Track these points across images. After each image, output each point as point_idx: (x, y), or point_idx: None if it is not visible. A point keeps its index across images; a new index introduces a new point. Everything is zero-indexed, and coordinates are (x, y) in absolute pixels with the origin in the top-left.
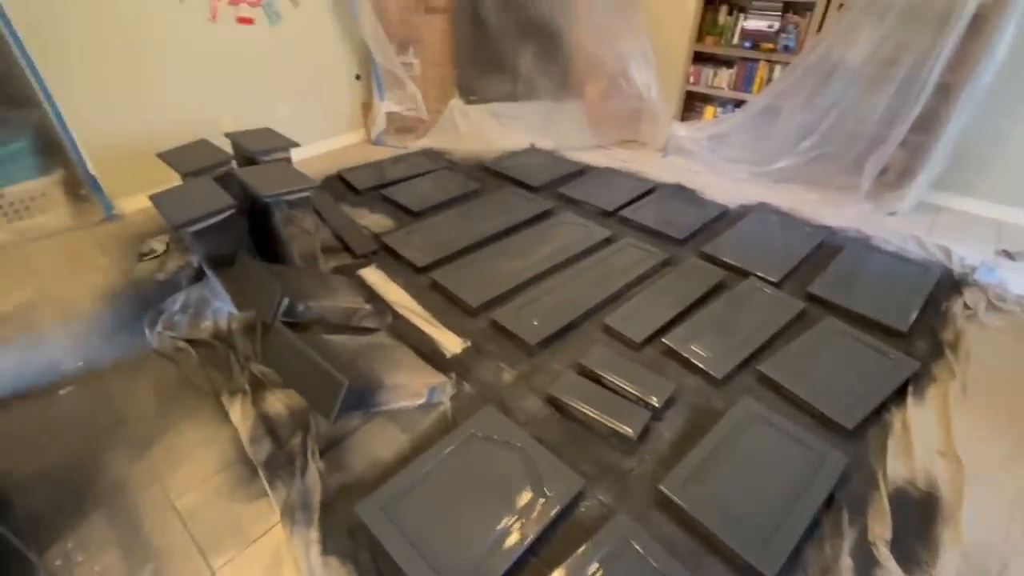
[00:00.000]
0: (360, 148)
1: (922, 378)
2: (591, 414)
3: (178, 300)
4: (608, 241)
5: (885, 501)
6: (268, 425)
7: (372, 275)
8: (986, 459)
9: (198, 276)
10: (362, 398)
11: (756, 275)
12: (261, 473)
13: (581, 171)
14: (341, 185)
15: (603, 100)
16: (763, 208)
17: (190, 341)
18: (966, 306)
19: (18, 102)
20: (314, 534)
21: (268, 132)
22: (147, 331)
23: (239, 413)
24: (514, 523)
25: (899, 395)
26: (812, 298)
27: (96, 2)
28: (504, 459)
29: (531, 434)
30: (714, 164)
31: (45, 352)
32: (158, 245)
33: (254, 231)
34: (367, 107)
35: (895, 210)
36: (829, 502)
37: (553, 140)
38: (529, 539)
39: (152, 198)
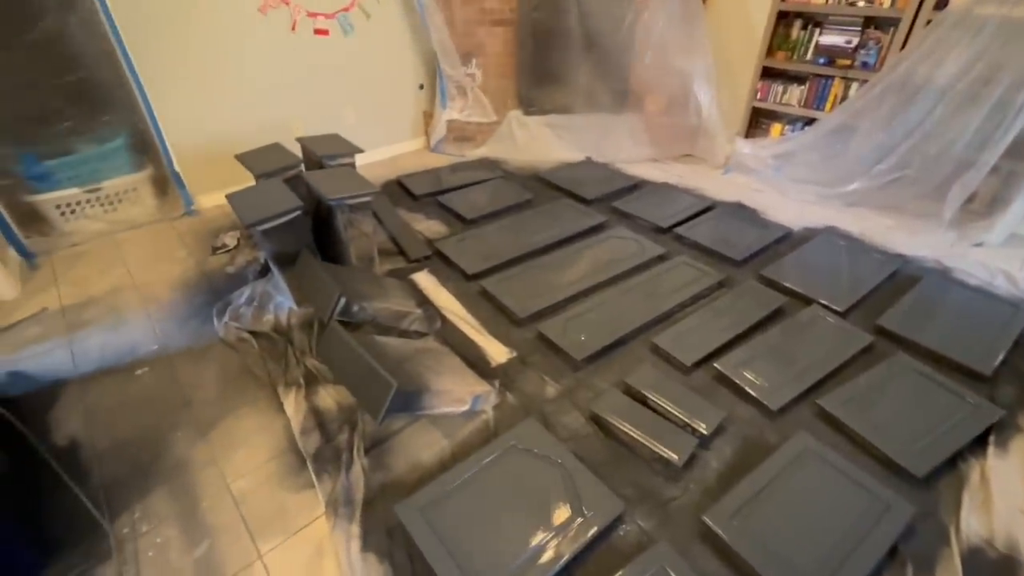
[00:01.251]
0: (420, 155)
1: (1006, 427)
2: (635, 436)
3: (244, 293)
4: (661, 258)
5: (957, 560)
6: (318, 419)
7: (424, 280)
8: None
9: (264, 271)
10: (409, 401)
11: (820, 303)
12: (309, 465)
13: (636, 185)
14: (399, 190)
15: (662, 114)
16: (831, 232)
17: (252, 333)
18: None
19: (121, 105)
20: (355, 529)
21: (335, 138)
22: (215, 320)
23: (293, 405)
24: (550, 540)
25: (979, 444)
26: (882, 331)
27: (189, 16)
28: (543, 474)
29: (572, 451)
30: (779, 184)
31: (126, 334)
32: (230, 240)
33: (317, 231)
34: (428, 116)
35: (982, 241)
36: (892, 554)
37: (609, 153)
38: (565, 558)
39: (228, 197)
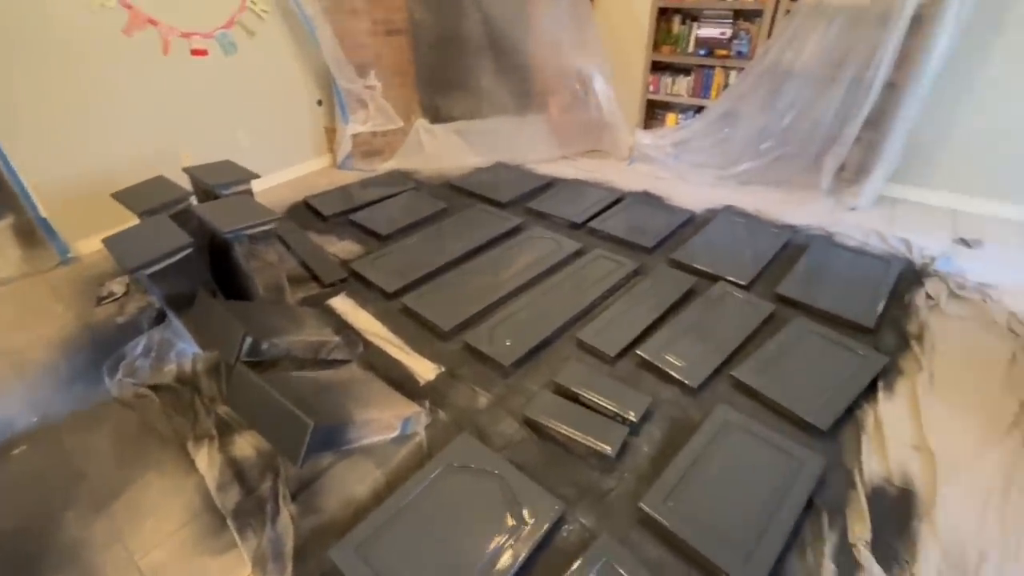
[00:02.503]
0: (327, 173)
1: (891, 372)
2: (568, 434)
3: (140, 344)
4: (578, 254)
5: (863, 501)
6: (236, 470)
7: (341, 304)
8: (957, 450)
9: (160, 317)
10: (331, 437)
11: (726, 279)
12: (230, 523)
13: (548, 184)
14: (308, 212)
15: (565, 113)
16: (729, 211)
17: (152, 387)
18: (928, 297)
19: None
20: None
21: (228, 165)
22: (107, 379)
23: (205, 460)
24: (494, 556)
25: (870, 391)
26: (781, 299)
27: (39, 42)
28: (481, 488)
29: (508, 459)
30: (679, 170)
31: None
32: (117, 287)
33: (216, 267)
34: (331, 131)
35: (855, 205)
36: (809, 506)
37: (519, 154)
38: (512, 572)
39: (105, 241)
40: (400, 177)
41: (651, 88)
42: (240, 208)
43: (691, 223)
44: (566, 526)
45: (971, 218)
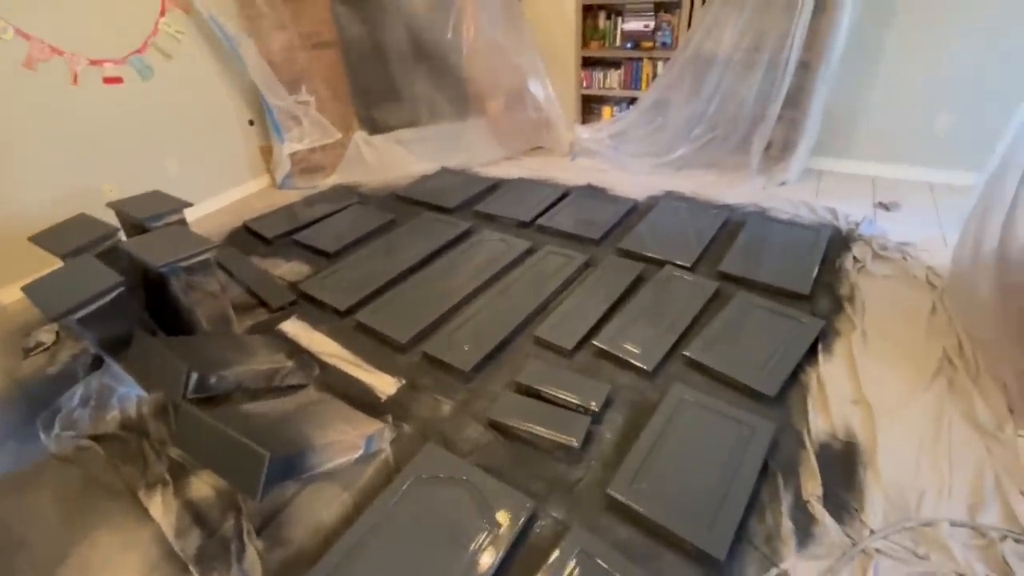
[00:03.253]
0: (266, 195)
1: (828, 334)
2: (533, 431)
3: (76, 393)
4: (529, 252)
5: (813, 459)
6: (195, 513)
7: (293, 328)
8: (891, 399)
9: (97, 362)
10: (290, 466)
11: (671, 263)
12: (192, 569)
13: (494, 186)
14: (249, 236)
15: (504, 114)
16: (669, 197)
17: (95, 437)
18: (855, 260)
19: None
20: None
21: (157, 195)
22: (42, 435)
23: (160, 507)
24: (470, 563)
25: (811, 354)
26: (724, 276)
27: None
28: (451, 497)
29: (476, 463)
30: (619, 161)
31: None
32: (46, 336)
33: (154, 304)
34: (267, 151)
35: (784, 180)
36: (764, 470)
37: (462, 159)
38: (488, 572)
39: (25, 289)
40: (344, 192)
41: (584, 83)
42: (173, 239)
43: (635, 211)
44: (539, 522)
45: (888, 183)
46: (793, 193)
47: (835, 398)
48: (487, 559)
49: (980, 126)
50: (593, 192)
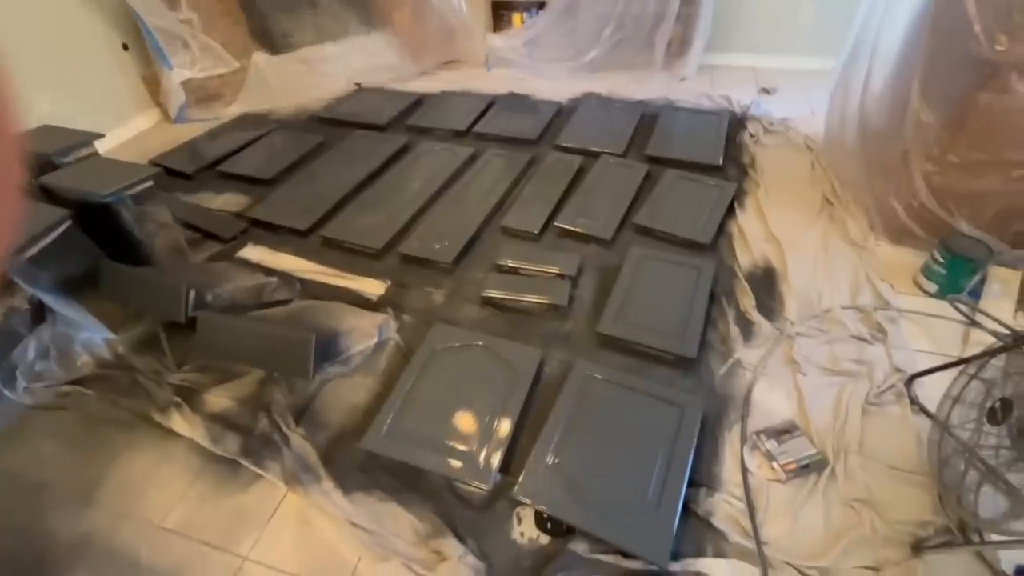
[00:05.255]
0: (161, 130)
1: (740, 193)
2: (524, 300)
3: (29, 347)
4: (473, 158)
5: (744, 283)
6: (224, 422)
7: (255, 253)
8: (792, 234)
9: (38, 315)
10: (329, 348)
11: (605, 152)
12: (243, 462)
13: (418, 101)
14: (164, 174)
15: (413, 24)
16: (589, 97)
17: (75, 382)
18: (751, 135)
19: None
20: (328, 484)
21: (50, 130)
22: (6, 392)
23: (183, 423)
24: (500, 403)
25: (730, 211)
26: (651, 159)
27: None
28: (470, 358)
29: (483, 333)
30: (536, 68)
31: None
32: None
33: (95, 242)
34: (152, 81)
35: (684, 75)
36: (711, 297)
37: (377, 76)
38: (517, 411)
39: None
40: (254, 120)
41: None
42: (103, 171)
43: (561, 113)
44: (547, 366)
45: (767, 72)
46: (693, 86)
47: (753, 239)
48: (514, 401)
49: (837, 15)
50: (517, 99)
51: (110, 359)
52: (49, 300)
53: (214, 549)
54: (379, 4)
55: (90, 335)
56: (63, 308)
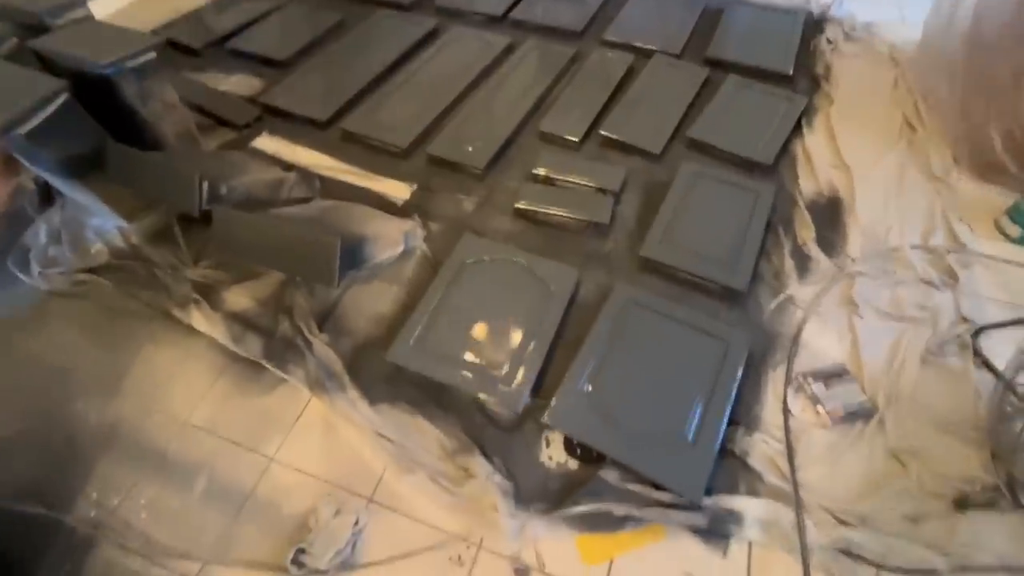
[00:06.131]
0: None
1: (810, 110)
2: (562, 215)
3: (40, 231)
4: (510, 49)
5: (805, 213)
6: (244, 322)
7: (269, 143)
8: (864, 160)
9: (46, 197)
10: (353, 255)
11: (659, 52)
12: (266, 364)
13: None
14: (168, 49)
15: None
16: None
17: (90, 271)
18: (828, 41)
19: None
20: (353, 393)
21: None
22: (22, 276)
23: (203, 321)
24: (534, 323)
25: (797, 128)
26: (710, 62)
27: None
28: (502, 273)
29: (516, 247)
30: None
31: None
32: None
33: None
34: None
35: None
36: (768, 226)
37: None
38: (551, 333)
39: None
40: None
41: None
42: (99, 36)
43: (609, 2)
44: (583, 286)
45: None
46: None
47: (819, 163)
48: (548, 322)
49: None
50: None
51: (124, 248)
52: (55, 181)
53: (241, 448)
54: None
55: (101, 222)
56: (71, 191)
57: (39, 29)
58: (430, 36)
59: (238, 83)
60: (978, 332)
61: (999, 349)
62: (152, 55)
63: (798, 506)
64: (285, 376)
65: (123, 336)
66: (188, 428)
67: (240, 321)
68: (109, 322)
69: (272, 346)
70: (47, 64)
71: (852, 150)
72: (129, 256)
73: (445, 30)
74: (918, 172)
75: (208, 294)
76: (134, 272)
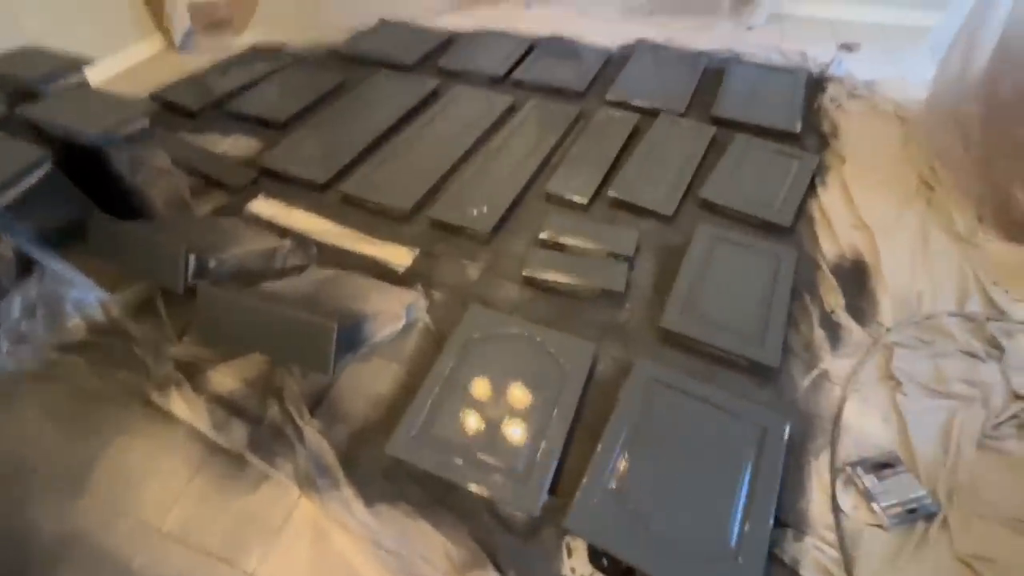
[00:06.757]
0: (164, 60)
1: (822, 168)
2: (572, 283)
3: (14, 303)
4: (512, 109)
5: (831, 277)
6: (228, 406)
7: (265, 207)
8: (885, 220)
9: (24, 267)
10: (352, 337)
11: (665, 111)
12: (250, 458)
13: (449, 39)
14: (165, 111)
15: None
16: (642, 44)
17: (62, 349)
18: (831, 99)
19: None
20: (348, 492)
21: (33, 53)
22: None
23: (183, 406)
24: (548, 406)
25: (811, 188)
26: (717, 121)
27: None
28: (512, 350)
29: (524, 319)
30: (581, 6)
31: None
32: None
33: (82, 189)
34: (156, 2)
35: (752, 24)
36: (794, 293)
37: (402, 9)
38: (569, 417)
39: None
40: (267, 53)
41: None
42: (90, 104)
43: (611, 62)
44: (601, 363)
45: (847, 25)
46: (761, 37)
47: (838, 224)
48: (564, 404)
49: None
50: (561, 42)
51: (104, 322)
52: (34, 252)
53: (217, 560)
54: None
55: (82, 294)
56: (50, 261)
57: (33, 96)
58: (432, 96)
59: (235, 144)
60: None
61: None
62: (144, 123)
63: None
64: (272, 471)
65: (94, 425)
66: (158, 537)
67: (224, 405)
68: (80, 408)
69: (258, 435)
70: (38, 132)
71: (870, 210)
72: (108, 331)
73: (447, 90)
74: (942, 232)
75: (191, 374)
76: (111, 349)
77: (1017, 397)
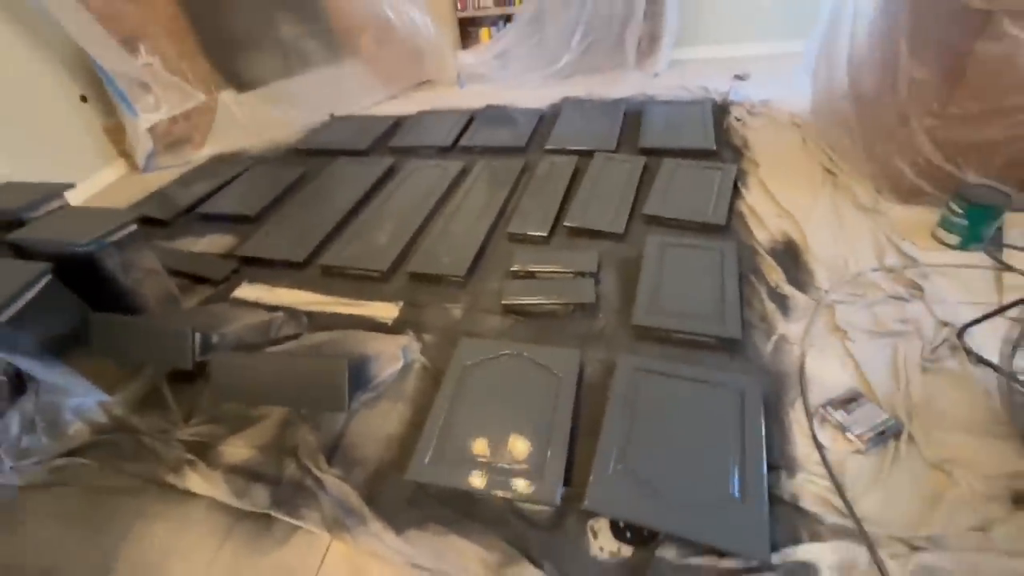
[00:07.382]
0: (130, 182)
1: (741, 174)
2: (549, 303)
3: (12, 422)
4: (464, 171)
5: (769, 259)
6: (247, 474)
7: (250, 291)
8: (802, 207)
9: (18, 386)
10: (360, 374)
11: (599, 151)
12: (276, 515)
13: (396, 123)
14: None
15: (379, 49)
16: (568, 101)
17: (69, 453)
18: (736, 119)
19: None
20: (376, 525)
21: (13, 187)
22: None
23: (201, 481)
24: (548, 412)
25: (736, 191)
26: (645, 151)
27: None
28: (507, 369)
29: (511, 341)
30: (509, 80)
31: None
32: None
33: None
34: (116, 131)
35: (657, 71)
36: (741, 279)
37: (349, 105)
38: (569, 413)
39: None
40: (229, 160)
41: (459, 6)
42: (79, 220)
43: (543, 119)
44: (589, 367)
45: (737, 60)
46: (667, 81)
47: (765, 216)
48: (563, 409)
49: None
50: (497, 110)
51: (107, 423)
52: (30, 366)
53: None
54: (343, 32)
55: (81, 400)
56: (46, 374)
57: (17, 225)
58: (389, 172)
59: (211, 243)
60: (961, 332)
61: (985, 344)
62: (133, 228)
63: (869, 544)
64: (299, 523)
65: (109, 517)
66: None
67: (242, 473)
68: (93, 505)
69: (280, 493)
70: (25, 254)
71: (789, 200)
72: (112, 429)
73: (402, 166)
74: (851, 207)
75: (203, 452)
76: (118, 445)
77: (944, 324)
